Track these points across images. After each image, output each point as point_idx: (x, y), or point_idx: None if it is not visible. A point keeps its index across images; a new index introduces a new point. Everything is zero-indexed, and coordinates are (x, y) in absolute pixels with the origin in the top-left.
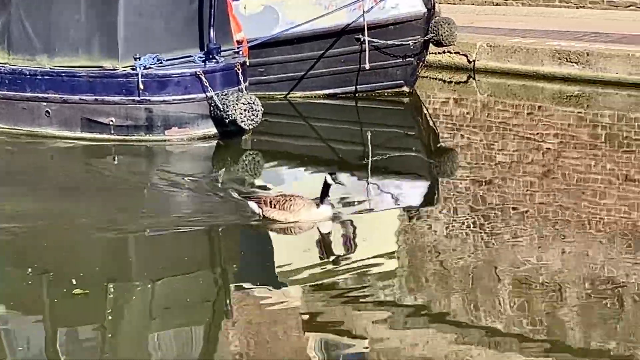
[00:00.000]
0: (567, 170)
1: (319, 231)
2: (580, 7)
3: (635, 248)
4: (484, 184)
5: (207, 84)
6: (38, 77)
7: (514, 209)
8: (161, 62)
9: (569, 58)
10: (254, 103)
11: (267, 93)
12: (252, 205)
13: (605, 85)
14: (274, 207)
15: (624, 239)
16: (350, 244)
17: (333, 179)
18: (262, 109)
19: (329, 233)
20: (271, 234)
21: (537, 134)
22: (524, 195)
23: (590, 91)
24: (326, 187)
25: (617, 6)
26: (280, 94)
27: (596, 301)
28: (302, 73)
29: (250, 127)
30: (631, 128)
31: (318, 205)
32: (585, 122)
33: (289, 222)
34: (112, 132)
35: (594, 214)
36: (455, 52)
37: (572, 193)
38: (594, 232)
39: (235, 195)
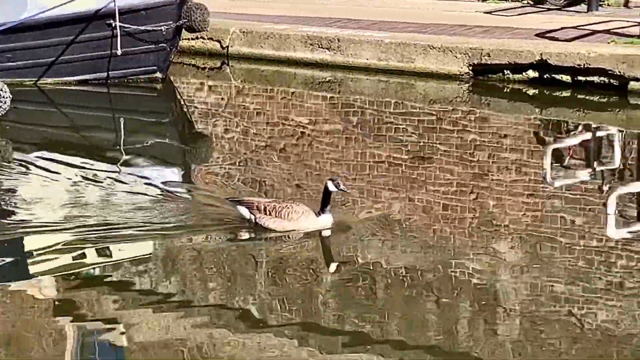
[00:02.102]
0: (320, 154)
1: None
2: None
3: (383, 230)
4: (238, 168)
5: None
6: None
7: (266, 193)
8: None
9: (321, 44)
10: (1, 90)
11: (16, 80)
12: (242, 210)
13: (355, 70)
14: (269, 215)
15: (377, 222)
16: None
17: (335, 185)
18: (10, 96)
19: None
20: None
21: (291, 119)
22: (280, 178)
23: (341, 77)
24: (327, 193)
25: None
26: (30, 81)
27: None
28: (52, 59)
29: None
30: (382, 113)
31: (318, 214)
32: (337, 107)
33: (286, 231)
34: None
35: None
36: (208, 38)
37: (324, 176)
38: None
39: None
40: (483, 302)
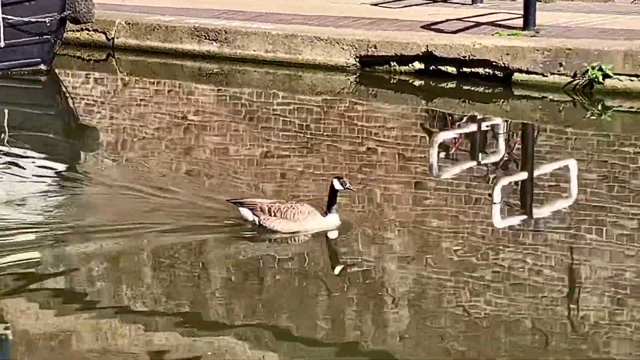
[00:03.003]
0: (208, 146)
1: None
2: None
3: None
4: (126, 161)
5: None
6: None
7: (152, 185)
8: None
9: (208, 36)
10: None
11: None
12: (245, 212)
13: (243, 62)
14: (274, 216)
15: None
16: None
17: (342, 184)
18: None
19: None
20: None
21: (179, 111)
22: (168, 170)
23: (229, 69)
24: (333, 192)
25: None
26: None
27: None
28: None
29: None
30: (269, 105)
31: (325, 214)
32: (225, 99)
33: (292, 233)
34: None
35: (233, 183)
36: (94, 30)
37: (211, 168)
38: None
39: None
40: (362, 292)
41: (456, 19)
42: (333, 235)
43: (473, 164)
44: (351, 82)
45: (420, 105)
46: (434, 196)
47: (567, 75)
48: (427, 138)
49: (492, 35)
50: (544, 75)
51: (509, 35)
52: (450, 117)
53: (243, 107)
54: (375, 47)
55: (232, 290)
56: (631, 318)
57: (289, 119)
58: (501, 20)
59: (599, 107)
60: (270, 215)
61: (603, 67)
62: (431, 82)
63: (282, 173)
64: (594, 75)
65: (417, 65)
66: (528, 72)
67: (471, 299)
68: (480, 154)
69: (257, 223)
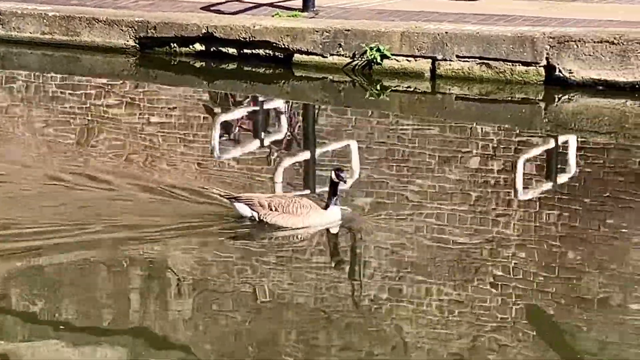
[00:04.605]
0: None
1: None
2: None
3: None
4: None
5: None
6: None
7: None
8: None
9: None
10: None
11: None
12: (242, 208)
13: (19, 45)
14: (276, 211)
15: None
16: None
17: (338, 176)
18: None
19: None
20: None
21: None
22: None
23: (4, 51)
24: (333, 185)
25: None
26: None
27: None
28: None
29: None
30: (48, 86)
31: (326, 207)
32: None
33: (296, 228)
34: None
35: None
36: None
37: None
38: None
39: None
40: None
41: (236, 0)
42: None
43: (256, 144)
44: (131, 64)
45: (202, 87)
46: (215, 175)
47: (346, 56)
48: (209, 119)
49: (272, 16)
50: (323, 56)
51: (288, 16)
52: (232, 99)
53: (19, 91)
54: (155, 29)
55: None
56: (406, 294)
57: (68, 103)
58: (281, 2)
59: (378, 87)
60: (271, 210)
61: (381, 47)
62: (212, 64)
63: (61, 156)
64: (372, 56)
65: (198, 46)
66: (308, 53)
67: (264, 282)
68: (262, 135)
69: (257, 219)
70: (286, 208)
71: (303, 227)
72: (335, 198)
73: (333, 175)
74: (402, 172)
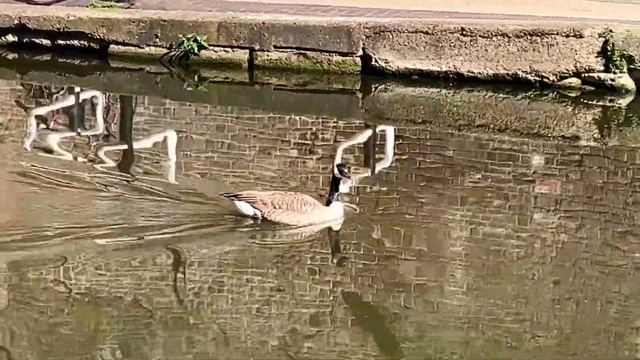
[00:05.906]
0: None
1: None
2: None
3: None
4: None
5: None
6: None
7: None
8: None
9: None
10: None
11: None
12: (243, 206)
13: None
14: (280, 208)
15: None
16: None
17: (340, 172)
18: None
19: None
20: None
21: None
22: None
23: None
24: (336, 181)
25: None
26: None
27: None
28: None
29: None
30: None
31: (327, 203)
32: None
33: (301, 226)
34: None
35: None
36: None
37: None
38: None
39: None
40: None
41: None
42: None
43: (72, 136)
44: None
45: (15, 79)
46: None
47: (163, 47)
48: (24, 113)
49: (88, 7)
50: (140, 47)
51: (104, 7)
52: (47, 91)
53: None
54: None
55: None
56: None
57: None
58: None
59: (196, 78)
60: (275, 208)
61: (198, 38)
62: (25, 55)
63: None
64: (189, 47)
65: (11, 38)
66: (124, 44)
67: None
68: (79, 127)
69: (260, 217)
70: (290, 205)
71: (308, 224)
72: (337, 194)
73: (336, 171)
74: (222, 160)
